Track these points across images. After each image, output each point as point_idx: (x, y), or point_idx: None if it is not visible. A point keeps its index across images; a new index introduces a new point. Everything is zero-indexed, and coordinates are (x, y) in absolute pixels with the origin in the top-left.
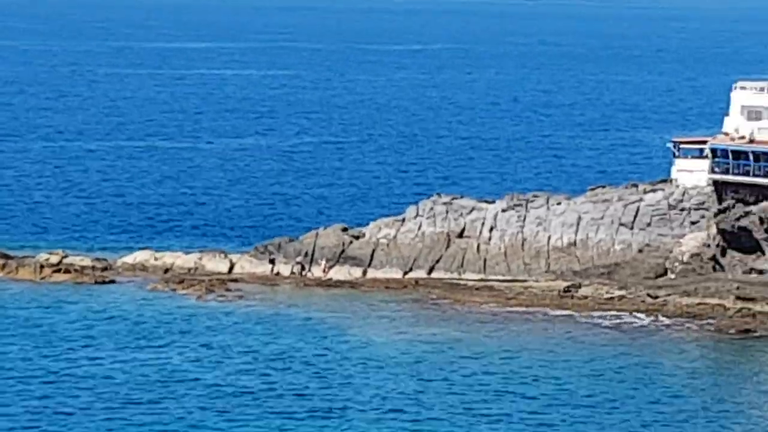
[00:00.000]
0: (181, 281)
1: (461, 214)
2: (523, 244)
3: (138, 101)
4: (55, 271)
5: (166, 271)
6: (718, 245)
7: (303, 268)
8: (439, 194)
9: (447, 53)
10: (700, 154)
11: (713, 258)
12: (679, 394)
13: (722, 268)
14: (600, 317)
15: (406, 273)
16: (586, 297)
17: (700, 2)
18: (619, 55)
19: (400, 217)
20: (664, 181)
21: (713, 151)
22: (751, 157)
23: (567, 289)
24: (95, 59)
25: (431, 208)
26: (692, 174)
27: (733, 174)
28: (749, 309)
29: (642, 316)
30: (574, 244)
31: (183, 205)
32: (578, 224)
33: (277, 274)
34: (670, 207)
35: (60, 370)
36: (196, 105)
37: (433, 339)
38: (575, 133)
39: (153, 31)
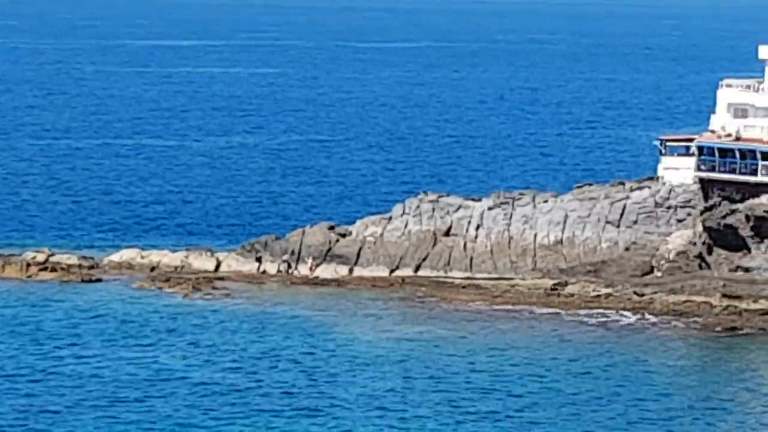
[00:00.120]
0: (168, 279)
1: (448, 212)
2: (509, 242)
3: (125, 99)
4: (41, 270)
5: (153, 269)
6: (704, 243)
7: (289, 266)
8: (425, 192)
9: (434, 51)
10: (687, 152)
11: (699, 256)
12: (666, 392)
13: (708, 266)
14: (586, 315)
15: (392, 271)
16: (572, 295)
17: (690, 0)
18: (607, 53)
19: (386, 216)
20: (650, 178)
21: (699, 148)
22: (737, 154)
23: (553, 287)
24: (82, 57)
25: (418, 206)
26: (678, 172)
27: (720, 172)
28: (735, 307)
29: (628, 314)
30: (561, 242)
31: (170, 203)
32: (565, 222)
33: (264, 272)
34: (657, 205)
35: (46, 368)
36: (183, 103)
37: (419, 337)
38: (562, 131)
39: (140, 29)
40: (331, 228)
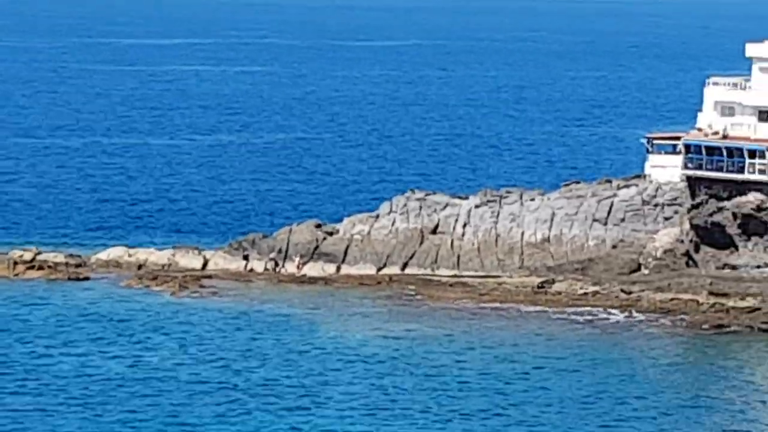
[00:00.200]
0: (155, 278)
1: (435, 210)
2: (496, 240)
3: (112, 98)
4: (28, 268)
5: (140, 267)
6: (691, 241)
7: (277, 264)
8: (412, 190)
9: (422, 49)
10: (674, 150)
11: (687, 254)
12: (653, 390)
13: (695, 263)
14: (574, 313)
15: (379, 269)
16: (559, 293)
17: None
18: (595, 51)
19: (373, 214)
20: (637, 176)
21: (686, 146)
22: (724, 152)
23: (541, 285)
24: (69, 55)
25: (405, 205)
26: (666, 169)
27: (707, 170)
28: (722, 304)
29: (616, 311)
30: (548, 240)
31: (157, 201)
32: (552, 220)
33: (251, 270)
34: (644, 203)
35: (34, 367)
36: (171, 101)
37: (406, 335)
38: (549, 129)
39: (127, 28)
40: (319, 226)
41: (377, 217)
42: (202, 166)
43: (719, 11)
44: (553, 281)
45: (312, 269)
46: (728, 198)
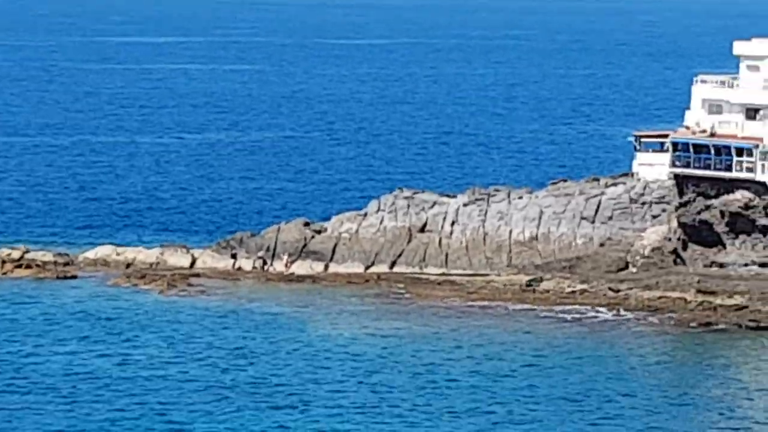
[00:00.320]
0: (143, 276)
1: (423, 209)
2: (484, 239)
3: (101, 96)
4: (16, 267)
5: (128, 266)
6: (679, 239)
7: (265, 262)
8: (400, 188)
9: (410, 48)
10: (661, 148)
11: (674, 251)
12: (641, 388)
13: (683, 261)
14: (562, 311)
15: (367, 267)
16: (547, 291)
17: None
18: (584, 49)
19: (362, 212)
20: (625, 174)
21: (674, 144)
22: (712, 150)
23: (529, 284)
24: (58, 54)
25: (393, 203)
26: (653, 168)
27: (694, 168)
28: (710, 302)
29: (603, 309)
30: (536, 238)
31: (145, 199)
32: (540, 218)
33: (239, 268)
34: (632, 201)
35: (22, 366)
36: (159, 100)
37: (394, 333)
38: (537, 127)
39: (117, 26)
40: (307, 224)
41: (365, 215)
42: (191, 165)
43: (707, 10)
44: (541, 279)
45: (300, 268)
46: (716, 196)
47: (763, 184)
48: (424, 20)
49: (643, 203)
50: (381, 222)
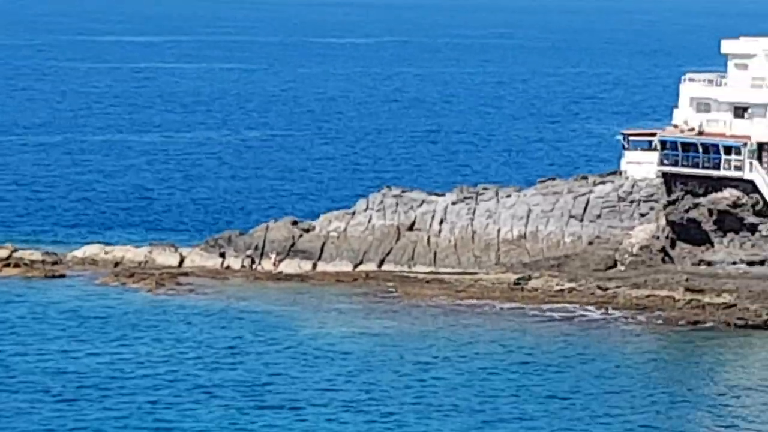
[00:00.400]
0: (132, 275)
1: (411, 207)
2: (473, 237)
3: (90, 95)
4: (5, 266)
5: (117, 264)
6: (667, 237)
7: (253, 261)
8: (389, 187)
9: (399, 46)
10: (650, 146)
11: (663, 250)
12: (629, 386)
13: (672, 260)
14: (550, 310)
15: (356, 266)
16: (536, 289)
17: None
18: (572, 47)
19: (350, 210)
20: (613, 173)
21: (662, 143)
22: (700, 149)
23: (517, 282)
24: (48, 52)
25: (381, 201)
26: (641, 166)
27: (682, 166)
28: (698, 300)
29: (592, 308)
30: (524, 236)
31: (133, 198)
32: (528, 217)
33: (228, 267)
34: (620, 199)
35: (10, 365)
36: (147, 99)
37: (383, 331)
38: (526, 126)
39: (105, 25)
40: (295, 223)
41: (353, 213)
42: (179, 163)
43: (695, 8)
44: (530, 278)
45: (288, 266)
46: (704, 194)
47: (751, 182)
48: (414, 19)
49: (632, 201)
50: (369, 220)
